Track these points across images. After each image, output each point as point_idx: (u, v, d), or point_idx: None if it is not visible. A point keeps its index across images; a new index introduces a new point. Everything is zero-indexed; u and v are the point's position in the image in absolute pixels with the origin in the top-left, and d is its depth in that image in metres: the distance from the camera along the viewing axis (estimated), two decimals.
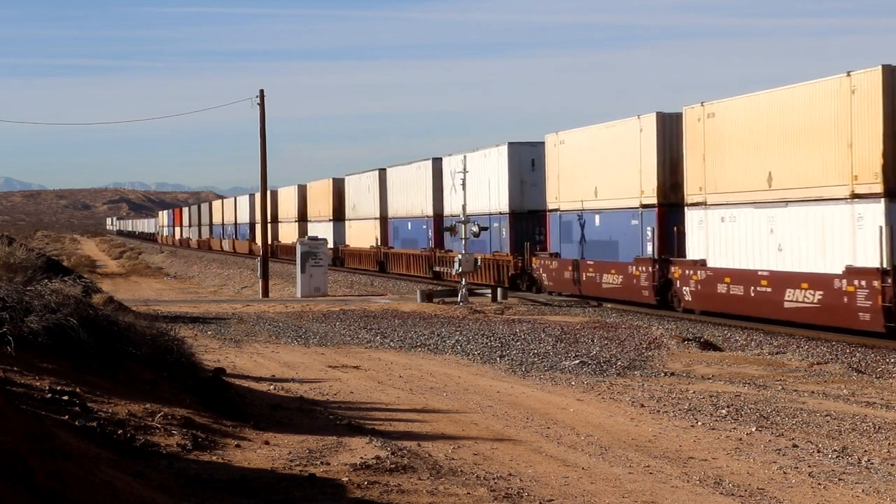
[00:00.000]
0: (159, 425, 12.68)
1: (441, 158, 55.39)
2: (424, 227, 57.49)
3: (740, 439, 14.44)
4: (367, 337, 28.85)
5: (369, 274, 62.59)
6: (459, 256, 41.76)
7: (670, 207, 35.18)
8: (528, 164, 46.70)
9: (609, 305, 38.30)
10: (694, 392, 18.78)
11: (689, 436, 14.69)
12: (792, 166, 28.88)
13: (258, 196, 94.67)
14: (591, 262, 39.49)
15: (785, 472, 12.46)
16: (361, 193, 69.04)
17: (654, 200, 35.76)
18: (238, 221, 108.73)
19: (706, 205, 32.81)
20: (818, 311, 27.68)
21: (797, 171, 28.63)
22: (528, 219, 46.57)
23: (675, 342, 26.73)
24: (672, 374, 21.60)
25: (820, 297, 27.59)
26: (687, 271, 33.59)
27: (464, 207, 43.72)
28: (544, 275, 43.23)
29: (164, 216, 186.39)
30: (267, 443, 13.15)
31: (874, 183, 25.89)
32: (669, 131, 35.46)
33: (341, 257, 73.27)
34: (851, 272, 26.48)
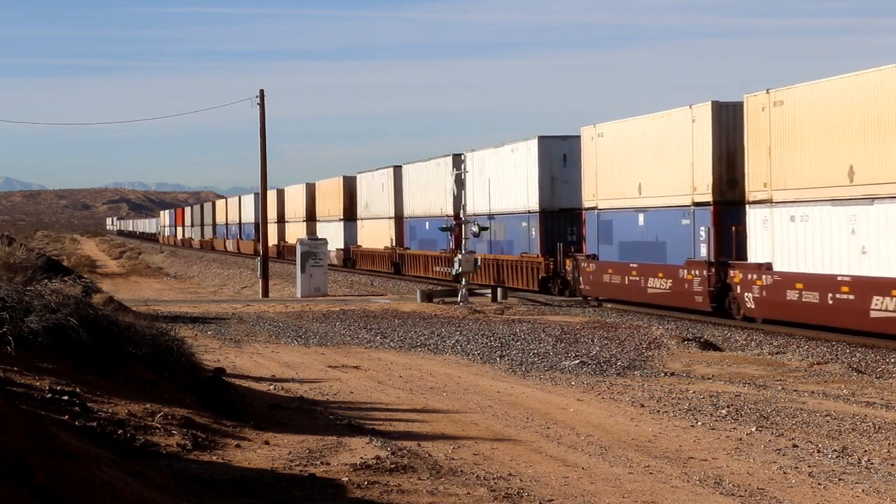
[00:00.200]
0: (159, 425, 12.68)
1: (462, 154, 52.42)
2: (443, 226, 55.34)
3: (740, 439, 14.44)
4: (367, 337, 28.85)
5: (384, 276, 60.25)
6: (459, 256, 41.69)
7: (727, 205, 32.21)
8: (559, 159, 43.69)
9: (609, 305, 38.15)
10: (694, 392, 18.78)
11: (689, 436, 14.69)
12: (879, 159, 25.79)
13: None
14: (635, 265, 36.32)
15: (785, 472, 12.46)
16: (374, 192, 66.17)
17: (708, 198, 32.77)
18: (243, 221, 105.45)
19: (772, 202, 29.60)
20: None
21: (886, 164, 25.56)
22: (559, 218, 43.60)
23: (675, 342, 26.73)
24: (672, 374, 21.60)
25: None
26: (749, 276, 30.44)
27: (464, 207, 43.73)
28: (580, 278, 40.15)
29: (165, 216, 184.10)
30: (267, 443, 13.15)
31: None
32: (726, 122, 32.47)
33: (353, 258, 70.48)
34: None
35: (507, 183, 46.38)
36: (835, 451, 13.63)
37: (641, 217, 36.51)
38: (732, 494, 11.45)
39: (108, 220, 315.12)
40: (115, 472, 9.52)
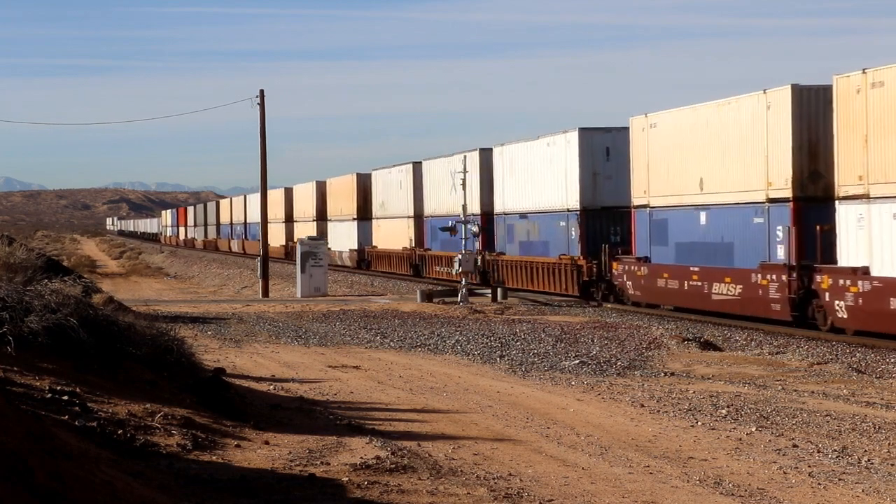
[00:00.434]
0: (159, 425, 12.68)
1: (491, 149, 49.51)
2: (469, 225, 52.41)
3: (740, 439, 14.44)
4: (367, 337, 28.85)
5: (403, 278, 57.41)
6: (459, 256, 41.62)
7: (809, 202, 28.87)
8: (601, 153, 40.58)
9: (609, 306, 38.05)
10: (694, 392, 18.78)
11: (689, 436, 14.69)
12: None
13: (271, 193, 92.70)
14: (696, 269, 32.91)
15: (785, 472, 12.46)
16: (391, 190, 62.84)
17: (786, 193, 29.23)
18: (248, 221, 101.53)
19: (869, 198, 25.90)
20: None
21: None
22: (601, 217, 40.53)
23: (675, 342, 26.73)
24: (672, 374, 21.60)
25: None
26: (841, 281, 26.72)
27: (464, 207, 43.22)
28: (629, 283, 36.87)
29: (167, 216, 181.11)
30: (267, 443, 13.15)
31: None
32: (808, 108, 29.15)
33: (367, 259, 67.16)
34: None
35: (542, 179, 43.44)
36: (835, 451, 13.63)
37: (703, 215, 33.15)
38: (732, 494, 11.45)
39: (109, 220, 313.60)
40: (115, 472, 9.52)
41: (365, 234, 67.86)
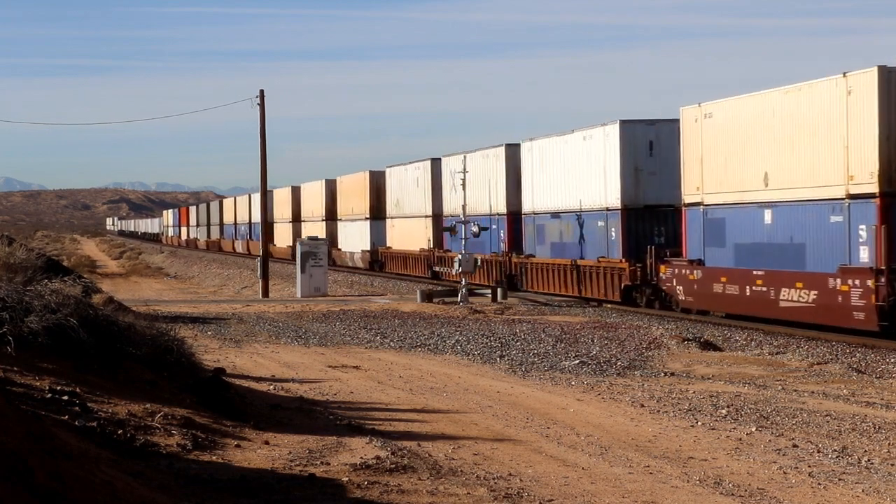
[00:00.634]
0: (159, 425, 12.68)
1: (518, 144, 46.39)
2: (495, 227, 48.14)
3: (740, 439, 14.44)
4: (367, 337, 28.85)
5: (421, 281, 54.00)
6: (459, 256, 41.54)
7: None
8: (643, 147, 37.67)
9: (609, 306, 37.95)
10: (694, 392, 18.78)
11: (689, 436, 14.69)
12: None
13: (277, 192, 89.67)
14: (761, 273, 29.78)
15: (785, 472, 12.46)
16: (407, 188, 59.53)
17: (871, 188, 26.01)
18: (253, 221, 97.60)
19: None
20: None
21: None
22: (644, 216, 37.71)
23: (675, 342, 26.72)
24: (672, 374, 21.60)
25: None
26: None
27: (464, 208, 43.00)
28: (679, 287, 33.78)
29: (169, 215, 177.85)
30: (267, 443, 13.16)
31: None
32: None
33: (381, 260, 63.99)
34: None
35: (577, 176, 40.46)
36: (835, 451, 13.64)
37: (768, 214, 29.94)
38: (732, 494, 11.45)
39: (109, 221, 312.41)
40: (115, 472, 9.52)
41: (378, 235, 65.13)
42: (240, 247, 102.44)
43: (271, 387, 19.05)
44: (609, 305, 37.51)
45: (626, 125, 37.67)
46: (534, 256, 44.17)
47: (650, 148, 37.69)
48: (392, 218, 62.34)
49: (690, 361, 23.55)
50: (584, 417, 16.19)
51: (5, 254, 23.45)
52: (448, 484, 11.41)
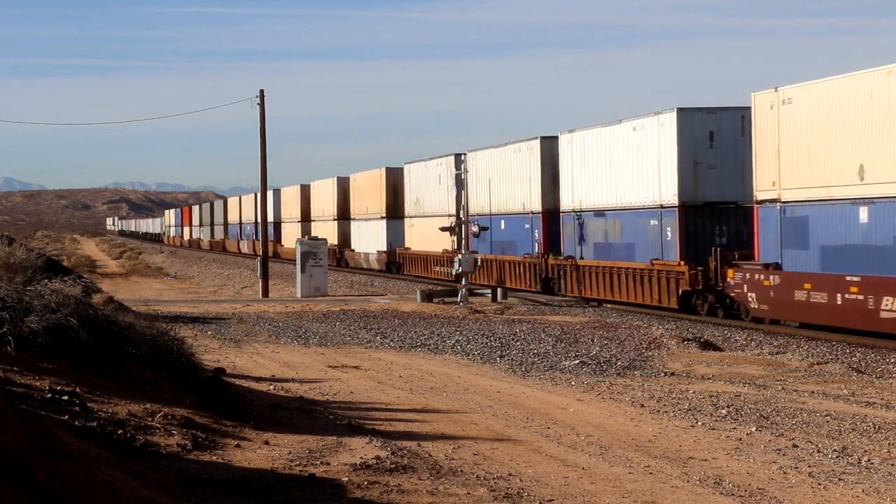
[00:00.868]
0: (159, 425, 12.68)
1: (556, 137, 42.99)
2: (527, 226, 44.89)
3: (740, 439, 14.44)
4: (367, 337, 28.85)
5: (443, 284, 49.94)
6: (459, 256, 41.44)
7: None
8: (703, 138, 34.29)
9: (609, 306, 37.87)
10: (694, 392, 18.78)
11: (689, 436, 14.69)
12: None
13: (286, 191, 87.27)
14: (856, 279, 26.10)
15: (785, 472, 12.47)
16: (428, 185, 55.66)
17: None
18: (259, 221, 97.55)
19: None
20: None
21: None
22: (704, 214, 34.41)
23: (675, 342, 26.72)
24: (672, 374, 21.60)
25: None
26: None
27: (464, 207, 42.72)
28: (752, 294, 30.20)
29: (170, 215, 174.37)
30: (267, 443, 13.16)
31: None
32: None
33: (399, 262, 60.31)
34: None
35: (626, 170, 37.29)
36: (835, 451, 13.64)
37: (863, 211, 26.46)
38: (732, 494, 11.45)
39: (109, 220, 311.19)
40: (115, 472, 9.52)
41: (396, 235, 61.43)
42: (245, 247, 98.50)
43: (271, 387, 19.05)
44: (664, 312, 34.35)
45: (683, 114, 34.34)
46: (574, 258, 40.76)
47: (710, 139, 34.34)
48: (411, 217, 58.53)
49: (690, 361, 23.55)
50: (584, 417, 16.19)
51: (5, 254, 23.46)
52: (448, 484, 11.42)
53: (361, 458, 12.35)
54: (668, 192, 34.87)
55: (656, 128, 35.41)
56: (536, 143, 44.03)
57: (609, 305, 37.82)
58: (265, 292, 48.99)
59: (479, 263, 42.51)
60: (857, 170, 26.55)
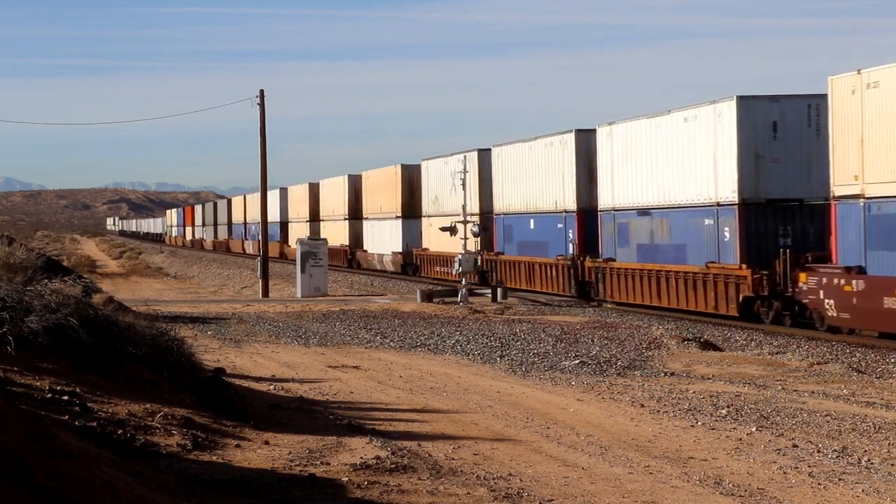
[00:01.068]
0: (159, 425, 12.68)
1: (592, 130, 40.15)
2: (560, 225, 41.81)
3: (740, 439, 14.44)
4: (367, 337, 28.85)
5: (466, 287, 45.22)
6: (459, 256, 41.38)
7: None
8: (766, 128, 31.24)
9: (609, 305, 37.81)
10: (694, 392, 18.78)
11: (689, 436, 14.69)
12: None
13: (293, 190, 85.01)
14: None
15: (785, 472, 12.47)
16: (448, 182, 51.65)
17: None
18: (266, 220, 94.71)
19: None
20: None
21: None
22: (766, 212, 31.33)
23: (675, 342, 26.72)
24: (672, 374, 21.60)
25: None
26: None
27: (464, 207, 42.41)
28: (830, 301, 27.10)
29: (172, 215, 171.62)
30: (267, 443, 13.16)
31: None
32: None
33: (415, 263, 57.40)
34: None
35: (675, 165, 34.31)
36: (835, 451, 13.64)
37: None
38: (732, 494, 11.45)
39: (110, 220, 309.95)
40: (115, 472, 9.52)
41: (412, 235, 58.19)
42: (250, 248, 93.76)
43: (271, 387, 19.05)
44: (719, 319, 31.75)
45: (744, 102, 31.19)
46: (614, 261, 37.69)
47: (774, 130, 31.21)
48: (429, 216, 54.73)
49: (690, 361, 23.55)
50: (584, 417, 16.19)
51: (5, 254, 23.46)
52: (448, 484, 11.42)
53: (361, 458, 12.35)
54: (725, 188, 31.88)
55: (712, 118, 32.34)
56: (571, 137, 41.17)
57: (609, 306, 37.78)
58: (265, 292, 48.99)
59: (479, 264, 42.30)
60: None
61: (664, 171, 34.93)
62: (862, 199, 26.29)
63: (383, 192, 62.97)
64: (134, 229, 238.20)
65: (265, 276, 49.57)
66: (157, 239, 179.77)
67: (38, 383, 13.15)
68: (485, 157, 49.40)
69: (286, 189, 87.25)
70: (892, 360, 23.38)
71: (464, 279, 41.16)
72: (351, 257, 69.63)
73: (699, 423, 15.59)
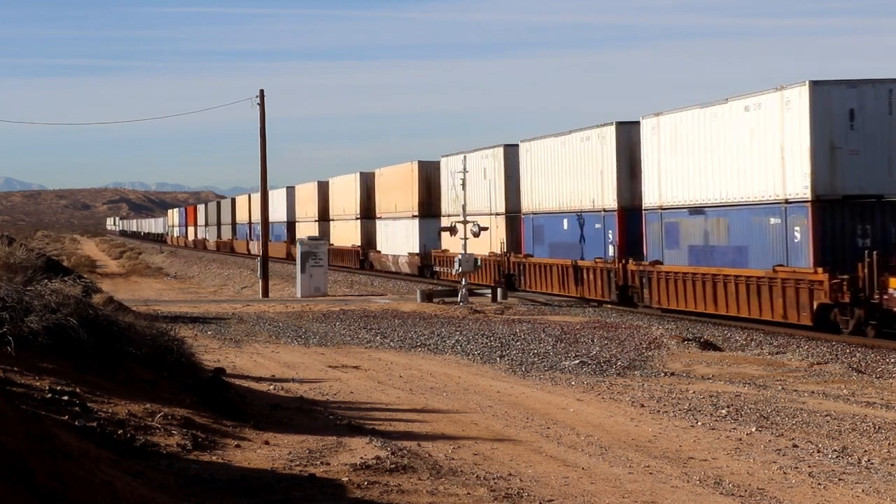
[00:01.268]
0: (159, 425, 12.68)
1: (635, 122, 37.29)
2: (598, 226, 38.81)
3: (740, 439, 14.44)
4: (367, 337, 28.85)
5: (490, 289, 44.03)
6: (459, 256, 41.34)
7: None
8: (842, 116, 28.20)
9: (609, 306, 37.73)
10: (694, 392, 18.78)
11: (689, 436, 14.69)
12: None
13: (301, 189, 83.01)
14: None
15: (785, 472, 12.47)
16: (471, 180, 46.82)
17: None
18: (270, 220, 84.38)
19: None
20: None
21: None
22: (842, 210, 28.27)
23: (675, 342, 26.72)
24: (672, 374, 21.60)
25: None
26: None
27: (463, 207, 42.30)
28: None
29: (174, 215, 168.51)
30: (267, 443, 13.16)
31: None
32: None
33: (433, 265, 54.56)
34: None
35: (733, 159, 31.31)
36: (835, 451, 13.64)
37: None
38: (732, 494, 11.45)
39: (110, 220, 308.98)
40: (115, 472, 9.52)
41: (430, 236, 54.86)
42: (255, 248, 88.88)
43: (271, 387, 19.05)
44: (788, 328, 28.83)
45: (818, 88, 28.24)
46: (662, 263, 34.81)
47: (850, 118, 28.23)
48: (449, 216, 50.18)
49: (690, 361, 23.55)
50: (584, 417, 16.19)
51: (5, 254, 23.46)
52: (448, 484, 11.42)
53: (361, 458, 12.35)
54: (795, 183, 28.72)
55: (779, 106, 29.21)
56: (610, 130, 38.05)
57: (610, 306, 37.75)
58: (265, 292, 49.00)
59: (479, 264, 42.10)
60: None
61: (721, 166, 31.88)
62: None
63: (398, 190, 60.06)
64: (135, 229, 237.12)
65: (265, 276, 49.58)
66: (158, 239, 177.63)
67: (38, 383, 13.15)
68: (511, 153, 46.23)
69: (293, 188, 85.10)
70: (892, 360, 23.38)
71: (464, 279, 41.11)
72: (363, 258, 67.05)
73: (699, 423, 15.59)
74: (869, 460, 13.15)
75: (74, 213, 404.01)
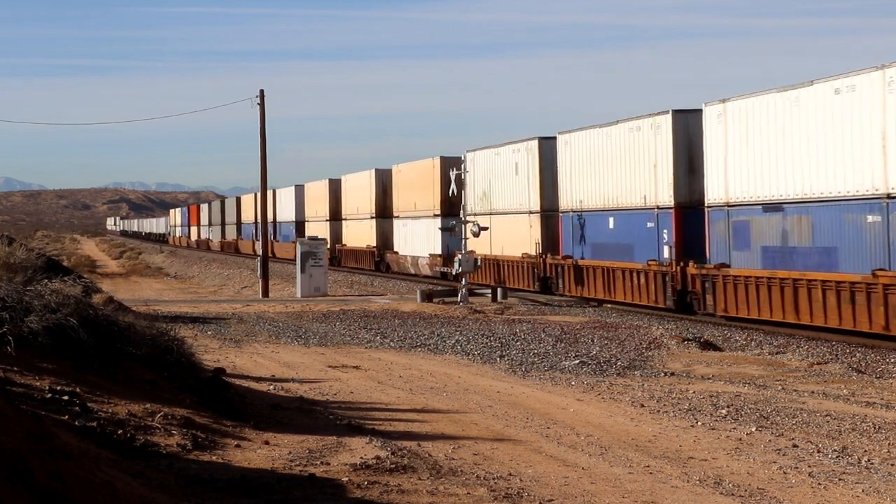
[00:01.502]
0: (159, 425, 12.68)
1: (696, 111, 33.57)
2: (651, 224, 35.31)
3: (740, 439, 14.44)
4: (367, 337, 28.85)
5: (526, 296, 42.13)
6: (459, 256, 41.33)
7: None
8: None
9: (609, 306, 37.74)
10: (694, 392, 18.78)
11: (689, 436, 14.69)
12: None
13: (311, 187, 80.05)
14: None
15: (785, 472, 12.47)
16: (501, 176, 46.52)
17: None
18: (278, 220, 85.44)
19: None
20: None
21: None
22: None
23: (675, 342, 26.72)
24: (672, 374, 21.60)
25: None
26: None
27: (463, 207, 42.42)
28: None
29: (176, 214, 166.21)
30: (267, 443, 13.16)
31: None
32: None
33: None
34: None
35: (818, 147, 27.33)
36: (835, 451, 13.64)
37: None
38: (732, 494, 11.45)
39: (110, 220, 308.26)
40: (115, 472, 9.52)
41: (454, 235, 52.22)
42: (261, 248, 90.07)
43: (271, 387, 19.05)
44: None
45: None
46: (728, 266, 31.11)
47: None
48: (477, 215, 46.61)
49: (690, 361, 23.55)
50: (584, 417, 16.19)
51: (5, 254, 23.46)
52: (448, 484, 11.42)
53: (361, 458, 12.35)
54: (874, 178, 25.52)
55: (879, 87, 25.14)
56: (666, 119, 34.54)
57: (609, 305, 37.74)
58: (265, 292, 49.01)
59: (479, 264, 42.05)
60: None
61: (802, 157, 27.96)
62: None
63: (417, 188, 56.66)
64: (136, 229, 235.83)
65: (265, 277, 49.60)
66: (160, 239, 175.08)
67: (38, 383, 13.15)
68: (547, 146, 42.56)
69: (303, 186, 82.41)
70: (892, 360, 23.38)
71: (464, 279, 41.11)
72: (379, 259, 63.58)
73: (699, 423, 15.59)
74: (869, 460, 13.15)
75: (74, 213, 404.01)
